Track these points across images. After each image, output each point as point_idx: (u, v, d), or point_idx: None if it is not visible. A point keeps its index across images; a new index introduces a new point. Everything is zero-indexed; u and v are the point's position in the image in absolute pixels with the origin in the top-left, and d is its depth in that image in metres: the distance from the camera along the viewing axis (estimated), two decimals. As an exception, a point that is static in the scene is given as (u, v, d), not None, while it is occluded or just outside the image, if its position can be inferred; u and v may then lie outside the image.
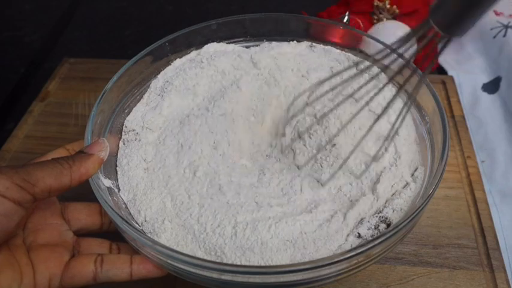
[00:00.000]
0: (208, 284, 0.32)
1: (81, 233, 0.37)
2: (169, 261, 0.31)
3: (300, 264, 0.29)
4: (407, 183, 0.37)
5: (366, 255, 0.30)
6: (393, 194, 0.36)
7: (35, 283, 0.31)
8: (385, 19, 0.67)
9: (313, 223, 0.34)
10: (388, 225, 0.34)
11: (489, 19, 0.66)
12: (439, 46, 0.30)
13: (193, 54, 0.48)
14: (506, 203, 0.49)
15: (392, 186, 0.37)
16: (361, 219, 0.35)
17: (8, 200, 0.28)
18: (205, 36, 0.48)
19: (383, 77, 0.41)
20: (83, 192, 0.34)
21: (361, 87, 0.37)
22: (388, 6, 0.67)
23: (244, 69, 0.46)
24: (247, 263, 0.32)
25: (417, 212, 0.31)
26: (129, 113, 0.43)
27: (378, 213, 0.35)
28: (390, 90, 0.42)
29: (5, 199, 0.28)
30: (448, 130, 0.35)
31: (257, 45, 0.49)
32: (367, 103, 0.36)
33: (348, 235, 0.34)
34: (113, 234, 0.37)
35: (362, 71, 0.37)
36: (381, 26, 0.62)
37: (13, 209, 0.28)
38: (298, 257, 0.33)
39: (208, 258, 0.33)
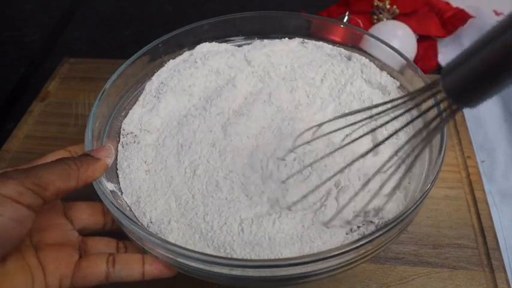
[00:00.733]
0: (217, 280, 0.32)
1: (84, 233, 0.37)
2: (179, 259, 0.31)
3: (310, 256, 0.29)
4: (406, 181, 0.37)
5: (374, 244, 0.30)
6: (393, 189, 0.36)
7: (46, 284, 0.31)
8: (385, 19, 0.67)
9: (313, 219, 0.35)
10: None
11: (489, 19, 0.66)
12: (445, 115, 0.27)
13: (186, 54, 0.48)
14: (506, 203, 0.49)
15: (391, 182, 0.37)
16: (362, 213, 0.35)
17: (23, 206, 0.28)
18: (197, 36, 0.48)
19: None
20: (83, 192, 0.34)
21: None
22: (388, 6, 0.67)
23: (238, 67, 0.46)
24: (257, 258, 0.33)
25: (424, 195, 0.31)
26: (125, 116, 0.43)
27: (378, 209, 0.35)
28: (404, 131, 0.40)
29: (19, 205, 0.27)
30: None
31: (249, 44, 0.49)
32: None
33: (351, 229, 0.35)
34: (115, 233, 0.37)
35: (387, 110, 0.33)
36: (381, 26, 0.62)
37: (27, 215, 0.28)
38: (307, 250, 0.33)
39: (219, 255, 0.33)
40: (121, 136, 0.42)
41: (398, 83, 0.44)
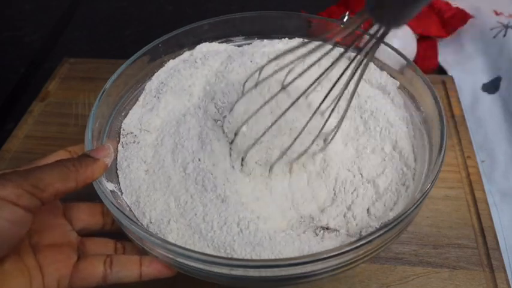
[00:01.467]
0: (217, 280, 0.32)
1: (83, 233, 0.37)
2: (179, 259, 0.31)
3: (309, 256, 0.29)
4: (406, 179, 0.37)
5: (374, 244, 0.30)
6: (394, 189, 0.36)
7: (44, 286, 0.31)
8: (385, 19, 0.67)
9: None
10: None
11: (489, 19, 0.66)
12: (374, 40, 0.29)
13: (186, 54, 0.48)
14: (506, 203, 0.49)
15: (391, 180, 0.37)
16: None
17: (20, 208, 0.27)
18: (197, 36, 0.48)
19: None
20: (83, 192, 0.34)
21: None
22: (388, 6, 0.67)
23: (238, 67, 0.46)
24: (258, 258, 0.33)
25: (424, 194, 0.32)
26: (126, 116, 0.43)
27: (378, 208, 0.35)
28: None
29: (17, 207, 0.27)
30: (446, 124, 0.36)
31: (249, 44, 0.49)
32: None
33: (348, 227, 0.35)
34: (114, 233, 0.37)
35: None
36: (380, 26, 0.62)
37: (25, 217, 0.28)
38: (306, 250, 0.33)
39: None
40: (121, 136, 0.42)
41: (398, 83, 0.44)
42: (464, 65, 0.64)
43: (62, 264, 0.32)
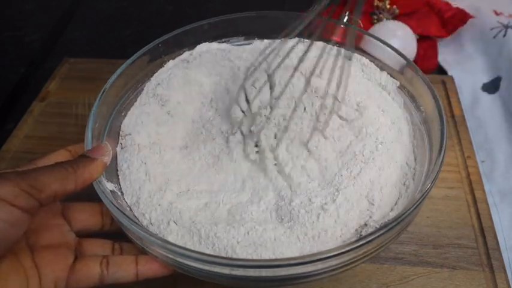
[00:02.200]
0: (217, 280, 0.32)
1: (82, 234, 0.37)
2: (179, 259, 0.31)
3: (309, 256, 0.29)
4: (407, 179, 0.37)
5: (374, 244, 0.30)
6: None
7: (41, 287, 0.31)
8: (385, 19, 0.67)
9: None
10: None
11: (489, 19, 0.66)
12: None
13: (185, 54, 0.48)
14: (506, 203, 0.49)
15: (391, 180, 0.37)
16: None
17: (17, 209, 0.27)
18: (197, 36, 0.48)
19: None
20: (82, 193, 0.34)
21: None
22: (388, 6, 0.67)
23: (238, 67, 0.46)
24: (258, 258, 0.33)
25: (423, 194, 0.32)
26: (125, 116, 0.43)
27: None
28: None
29: (14, 208, 0.27)
30: (446, 124, 0.36)
31: (249, 44, 0.49)
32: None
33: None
34: (113, 233, 0.37)
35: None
36: (381, 26, 0.62)
37: (22, 217, 0.28)
38: (307, 250, 0.33)
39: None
40: (120, 137, 0.42)
41: (398, 83, 0.44)
42: (464, 65, 0.64)
43: (59, 266, 0.32)
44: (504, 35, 0.63)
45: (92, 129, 0.37)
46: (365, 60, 0.45)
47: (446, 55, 0.66)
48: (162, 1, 0.82)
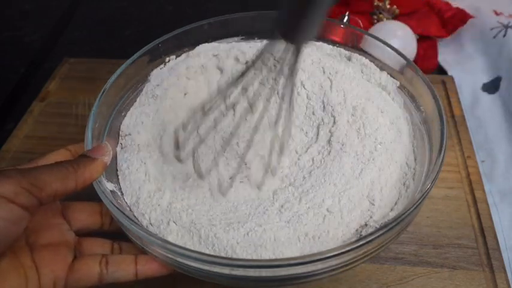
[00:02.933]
0: (217, 280, 0.32)
1: (81, 233, 0.37)
2: (179, 259, 0.31)
3: (310, 256, 0.29)
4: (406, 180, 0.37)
5: (374, 244, 0.30)
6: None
7: (40, 286, 0.31)
8: (385, 19, 0.67)
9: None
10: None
11: (489, 19, 0.66)
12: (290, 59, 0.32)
13: (185, 55, 0.48)
14: (506, 203, 0.49)
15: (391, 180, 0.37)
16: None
17: (17, 206, 0.27)
18: (197, 36, 0.48)
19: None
20: (82, 193, 0.34)
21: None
22: (388, 6, 0.67)
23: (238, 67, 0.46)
24: (258, 258, 0.33)
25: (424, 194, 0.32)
26: (125, 116, 0.43)
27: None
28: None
29: (14, 205, 0.27)
30: (446, 124, 0.36)
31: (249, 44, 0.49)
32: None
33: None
34: (113, 233, 0.37)
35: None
36: (381, 26, 0.62)
37: (22, 215, 0.28)
38: (307, 250, 0.33)
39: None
40: (120, 137, 0.42)
41: (398, 83, 0.44)
42: (464, 65, 0.64)
43: (58, 265, 0.32)
44: (504, 35, 0.63)
45: (92, 129, 0.37)
46: (365, 61, 0.45)
47: (446, 55, 0.66)
48: (162, 1, 0.82)
